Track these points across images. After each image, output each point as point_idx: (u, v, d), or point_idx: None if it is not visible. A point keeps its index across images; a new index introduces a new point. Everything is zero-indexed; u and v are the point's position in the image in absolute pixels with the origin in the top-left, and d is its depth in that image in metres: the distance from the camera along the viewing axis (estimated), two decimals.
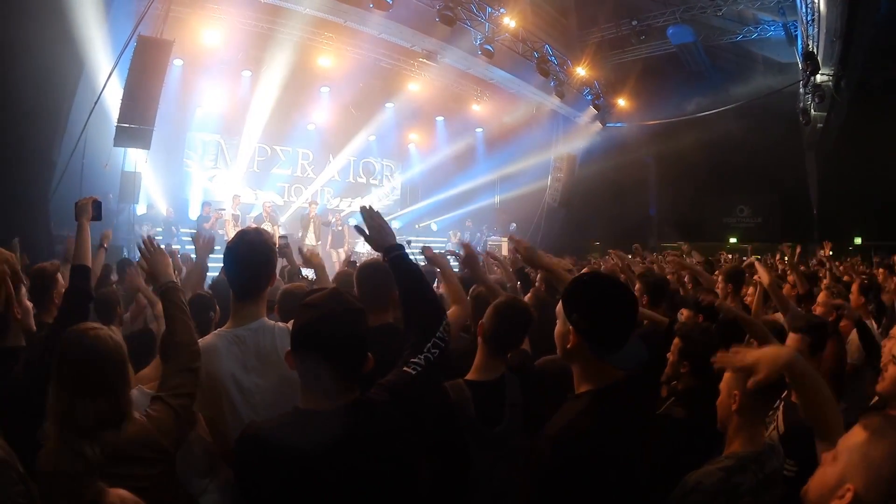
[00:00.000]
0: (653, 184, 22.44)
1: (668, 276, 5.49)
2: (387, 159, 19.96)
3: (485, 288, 3.25)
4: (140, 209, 13.15)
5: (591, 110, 18.47)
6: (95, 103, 9.63)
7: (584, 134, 19.58)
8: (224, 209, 13.58)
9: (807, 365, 1.70)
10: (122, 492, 1.36)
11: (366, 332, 1.71)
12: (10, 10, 7.44)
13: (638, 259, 8.32)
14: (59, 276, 3.14)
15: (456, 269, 3.64)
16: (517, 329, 2.52)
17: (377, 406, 1.67)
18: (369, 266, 2.78)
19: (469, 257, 3.17)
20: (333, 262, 13.11)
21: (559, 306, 1.82)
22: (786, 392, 2.54)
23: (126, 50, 9.77)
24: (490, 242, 17.36)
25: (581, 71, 16.82)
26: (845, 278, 7.55)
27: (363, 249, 14.16)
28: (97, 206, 3.04)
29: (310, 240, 13.94)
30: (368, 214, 2.16)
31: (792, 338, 3.12)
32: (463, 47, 14.30)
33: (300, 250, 4.14)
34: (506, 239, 17.30)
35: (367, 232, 2.14)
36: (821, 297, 4.77)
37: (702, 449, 2.30)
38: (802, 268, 6.17)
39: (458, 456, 2.26)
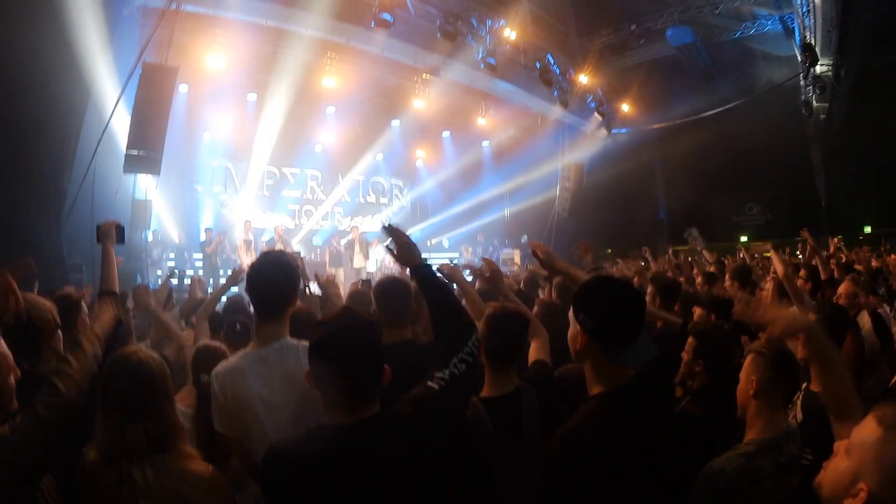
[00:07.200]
0: (661, 187, 22.39)
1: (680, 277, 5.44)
2: (395, 177, 19.93)
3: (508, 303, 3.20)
4: (149, 235, 13.20)
5: (596, 117, 18.48)
6: (104, 131, 9.69)
7: (590, 142, 19.61)
8: (225, 233, 13.67)
9: (827, 337, 1.73)
10: None
11: (381, 343, 1.73)
12: (16, 42, 7.53)
13: (647, 264, 8.37)
14: (83, 303, 3.06)
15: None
16: (512, 335, 2.45)
17: (399, 420, 1.67)
18: (387, 283, 2.82)
19: (494, 273, 3.15)
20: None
21: (571, 310, 1.85)
22: (805, 383, 2.59)
23: (132, 77, 9.87)
24: (503, 256, 17.27)
25: (583, 78, 16.84)
26: (856, 266, 7.51)
27: (373, 268, 14.13)
28: (120, 230, 2.99)
29: (358, 262, 14.13)
30: (394, 232, 2.16)
31: None
32: (465, 61, 14.39)
33: (316, 276, 4.21)
34: (517, 251, 17.24)
35: (394, 251, 2.15)
36: (843, 288, 4.69)
37: (718, 445, 2.34)
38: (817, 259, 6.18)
39: (479, 471, 2.24)
